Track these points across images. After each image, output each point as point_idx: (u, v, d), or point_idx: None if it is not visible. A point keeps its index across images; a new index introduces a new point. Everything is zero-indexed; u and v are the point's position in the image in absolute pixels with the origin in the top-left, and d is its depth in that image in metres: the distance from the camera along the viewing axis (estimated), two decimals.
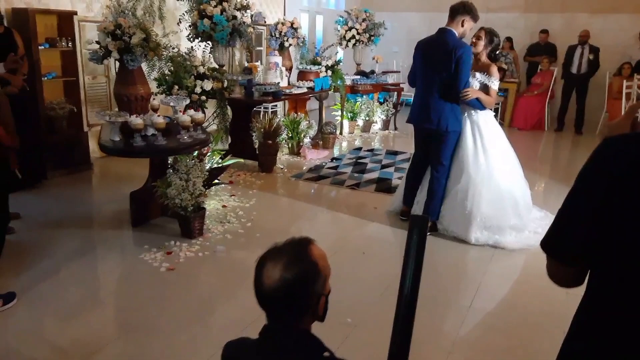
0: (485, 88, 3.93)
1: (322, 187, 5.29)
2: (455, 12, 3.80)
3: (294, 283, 1.18)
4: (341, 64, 7.35)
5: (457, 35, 3.79)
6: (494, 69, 3.92)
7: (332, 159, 6.24)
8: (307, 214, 4.62)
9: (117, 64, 4.37)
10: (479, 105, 3.90)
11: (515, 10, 9.76)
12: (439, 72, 3.79)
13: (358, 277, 3.34)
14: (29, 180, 4.76)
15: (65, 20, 5.21)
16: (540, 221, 4.20)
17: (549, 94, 8.75)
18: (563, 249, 0.98)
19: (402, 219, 4.27)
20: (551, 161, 7.31)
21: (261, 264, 1.25)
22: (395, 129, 8.20)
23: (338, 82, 7.10)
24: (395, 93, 8.30)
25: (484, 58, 3.98)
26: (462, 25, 3.77)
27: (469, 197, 3.86)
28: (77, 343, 2.57)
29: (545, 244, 1.00)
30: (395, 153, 6.61)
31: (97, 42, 4.01)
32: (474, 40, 3.97)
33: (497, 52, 4.04)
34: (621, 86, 7.92)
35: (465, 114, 3.97)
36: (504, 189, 3.91)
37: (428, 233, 4.12)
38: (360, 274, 3.40)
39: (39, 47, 4.91)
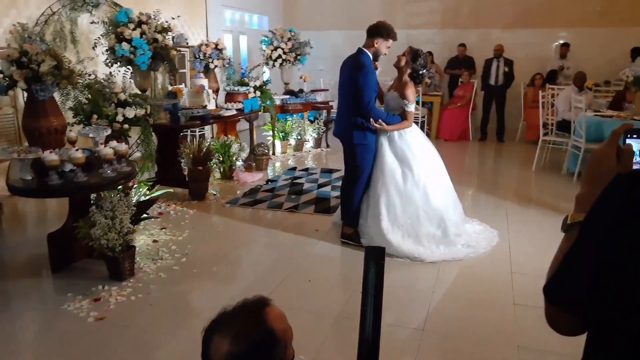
0: (401, 108, 3.99)
1: (259, 212, 5.09)
2: (368, 33, 4.00)
3: (246, 358, 1.00)
4: (269, 84, 7.23)
5: (369, 54, 3.95)
6: (409, 91, 3.95)
7: (267, 181, 6.07)
8: (246, 243, 4.40)
9: (25, 94, 3.97)
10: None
11: (433, 26, 10.14)
12: (346, 89, 3.98)
13: (306, 307, 3.17)
14: None
15: None
16: (478, 235, 4.25)
17: (471, 105, 9.10)
18: (567, 296, 0.88)
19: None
20: (477, 170, 7.54)
21: (208, 336, 1.05)
22: (328, 146, 8.18)
23: (267, 103, 6.97)
24: (325, 111, 8.28)
25: (405, 77, 4.02)
26: (374, 45, 3.93)
27: (384, 207, 3.91)
28: None
29: (548, 289, 0.90)
30: (330, 171, 6.54)
31: (0, 72, 3.61)
32: (398, 56, 4.06)
33: (421, 73, 4.03)
34: (535, 95, 8.38)
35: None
36: (418, 197, 3.94)
37: (347, 241, 4.11)
38: (308, 303, 3.23)
39: None
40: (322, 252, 4.06)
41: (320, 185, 5.87)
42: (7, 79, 3.51)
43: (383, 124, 3.88)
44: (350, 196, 4.14)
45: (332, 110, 8.36)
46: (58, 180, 3.18)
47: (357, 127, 3.95)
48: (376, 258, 1.47)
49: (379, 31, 3.90)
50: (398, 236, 3.88)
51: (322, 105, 8.15)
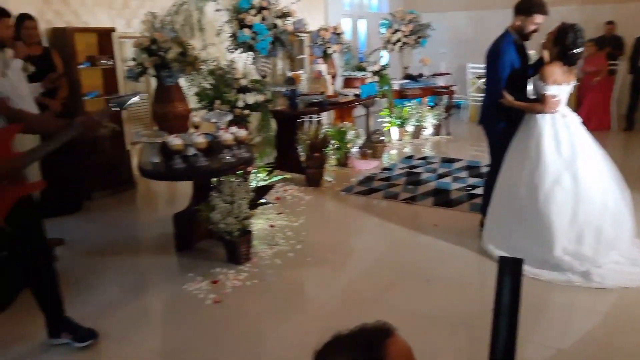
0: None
1: (374, 201, 4.92)
2: (514, 11, 3.66)
3: None
4: (387, 68, 6.99)
5: (512, 34, 3.62)
6: (546, 71, 3.36)
7: (383, 169, 5.87)
8: (360, 233, 4.25)
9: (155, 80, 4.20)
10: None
11: (571, 2, 9.09)
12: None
13: (421, 311, 2.93)
14: (71, 204, 4.64)
15: (105, 38, 5.09)
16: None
17: (613, 88, 8.01)
18: None
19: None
20: (626, 167, 6.59)
21: None
22: (448, 134, 7.73)
23: (385, 88, 6.74)
24: (446, 96, 7.83)
25: (547, 57, 3.49)
26: (517, 24, 3.61)
27: (542, 212, 3.31)
28: None
29: None
30: (451, 160, 6.16)
31: (134, 59, 3.83)
32: (546, 35, 3.55)
33: (571, 53, 3.33)
34: None
35: (537, 117, 3.46)
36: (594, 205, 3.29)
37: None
38: (424, 307, 2.97)
39: (80, 66, 4.81)
40: (441, 250, 3.77)
41: (440, 176, 5.53)
42: (139, 66, 3.72)
43: (507, 96, 3.52)
44: (485, 185, 4.05)
45: (453, 96, 7.89)
46: (182, 164, 3.27)
47: (492, 111, 3.74)
48: (512, 272, 1.25)
49: (519, 8, 3.58)
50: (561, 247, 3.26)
51: (443, 90, 7.71)
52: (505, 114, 3.65)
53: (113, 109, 2.41)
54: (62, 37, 4.67)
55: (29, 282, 2.62)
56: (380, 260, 3.70)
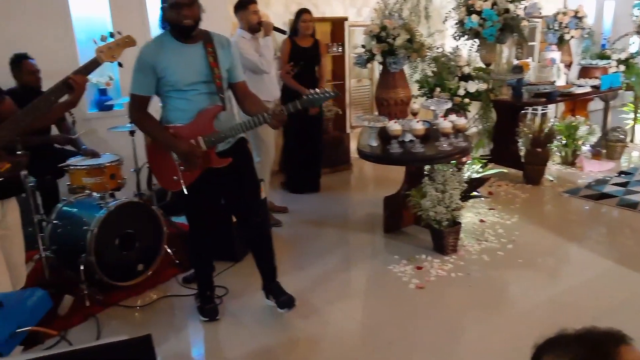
0: None
1: (604, 207, 4.34)
2: None
3: None
4: (638, 56, 6.02)
5: None
6: None
7: (620, 173, 5.12)
8: (582, 241, 3.79)
9: (380, 67, 4.37)
10: None
11: None
12: None
13: None
14: (311, 184, 4.99)
15: (338, 26, 5.49)
16: None
17: None
18: None
19: None
20: None
21: (538, 354, 0.87)
22: None
23: (632, 79, 5.82)
24: None
25: None
26: None
27: None
28: (331, 343, 2.54)
29: None
30: None
31: (363, 46, 4.05)
32: None
33: None
34: None
35: None
36: None
37: None
38: None
39: None
40: None
41: None
42: (367, 52, 3.93)
43: None
44: None
45: None
46: (398, 149, 3.36)
47: None
48: None
49: None
50: None
51: None
52: None
53: (302, 105, 2.36)
54: None
55: (249, 247, 2.93)
56: (604, 274, 3.26)
